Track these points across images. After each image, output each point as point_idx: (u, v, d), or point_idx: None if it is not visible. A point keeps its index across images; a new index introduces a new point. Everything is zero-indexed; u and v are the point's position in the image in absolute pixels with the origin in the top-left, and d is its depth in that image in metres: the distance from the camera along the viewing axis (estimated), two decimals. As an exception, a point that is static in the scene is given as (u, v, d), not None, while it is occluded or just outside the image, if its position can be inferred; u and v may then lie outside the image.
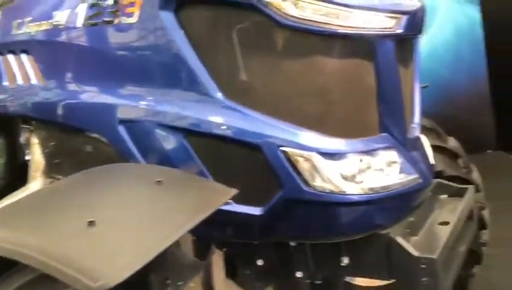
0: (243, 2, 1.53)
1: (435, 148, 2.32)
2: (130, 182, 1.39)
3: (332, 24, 1.48)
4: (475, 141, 4.80)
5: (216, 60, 1.65)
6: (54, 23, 2.03)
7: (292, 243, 1.71)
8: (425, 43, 4.81)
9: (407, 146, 1.68)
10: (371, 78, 1.58)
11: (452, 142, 2.60)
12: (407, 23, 1.55)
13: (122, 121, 1.83)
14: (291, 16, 1.48)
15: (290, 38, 1.54)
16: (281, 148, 1.53)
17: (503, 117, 4.98)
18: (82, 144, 2.09)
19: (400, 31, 1.54)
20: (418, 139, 1.79)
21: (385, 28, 1.52)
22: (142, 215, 1.20)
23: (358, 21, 1.49)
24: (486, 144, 5.05)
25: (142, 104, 1.78)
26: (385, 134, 1.64)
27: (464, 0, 4.83)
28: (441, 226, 1.77)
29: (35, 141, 2.35)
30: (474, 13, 4.86)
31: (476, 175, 2.53)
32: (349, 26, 1.48)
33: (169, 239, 1.10)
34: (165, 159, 1.73)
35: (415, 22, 1.61)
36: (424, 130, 2.43)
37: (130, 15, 1.74)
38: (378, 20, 1.50)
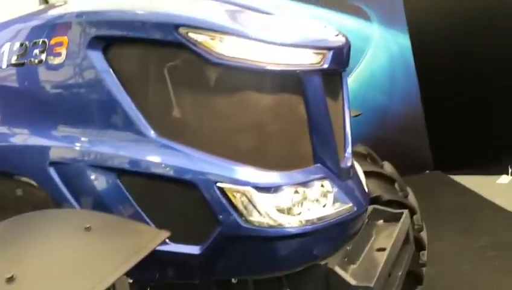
0: (172, 41, 1.54)
1: (371, 174, 2.40)
2: (56, 229, 1.33)
3: (260, 61, 1.51)
4: (413, 163, 5.02)
5: (147, 99, 1.64)
6: (-22, 64, 1.95)
7: (234, 280, 1.69)
8: (363, 69, 5.05)
9: (341, 175, 1.72)
10: (301, 111, 1.61)
11: (388, 167, 2.69)
12: (332, 58, 1.61)
13: (53, 163, 1.76)
14: (220, 54, 1.50)
15: (220, 75, 1.56)
16: (216, 184, 1.53)
17: (438, 138, 5.24)
18: (11, 188, 1.99)
19: (326, 66, 1.59)
20: (351, 168, 1.84)
21: (312, 64, 1.57)
22: (69, 264, 1.14)
23: (286, 57, 1.53)
24: (424, 164, 5.28)
25: (74, 145, 1.72)
26: (319, 165, 1.67)
27: (394, 30, 5.10)
28: (378, 252, 1.81)
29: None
30: (405, 41, 5.14)
31: (412, 198, 2.63)
32: (276, 63, 1.52)
33: (99, 286, 1.05)
34: (99, 202, 1.68)
35: (341, 56, 1.68)
36: (359, 156, 2.52)
37: (58, 55, 1.70)
38: (304, 56, 1.55)
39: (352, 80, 4.89)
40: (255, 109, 1.59)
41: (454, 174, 4.99)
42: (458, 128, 5.08)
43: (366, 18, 5.08)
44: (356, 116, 2.17)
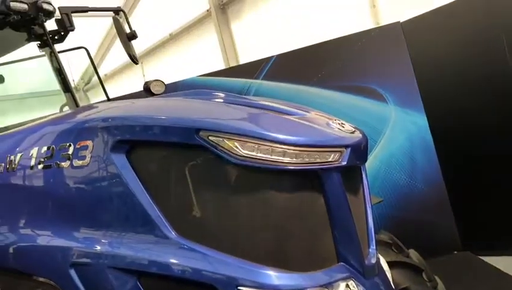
0: (193, 143, 1.58)
1: (397, 264, 2.32)
2: None
3: (279, 161, 1.53)
4: (439, 244, 4.84)
5: (168, 200, 1.66)
6: (6, 165, 2.03)
7: None
8: (382, 149, 5.06)
9: (366, 273, 1.67)
10: (322, 209, 1.61)
11: (414, 256, 2.61)
12: (350, 155, 1.62)
13: (74, 264, 1.76)
14: (240, 156, 1.53)
15: (240, 175, 1.58)
16: (238, 287, 1.49)
17: (464, 217, 5.09)
18: (31, 288, 1.99)
19: (344, 163, 1.61)
20: (376, 264, 1.78)
21: (330, 162, 1.58)
22: None
23: (304, 157, 1.55)
24: (451, 245, 5.08)
25: (95, 246, 1.73)
26: (343, 263, 1.63)
27: (410, 111, 5.17)
28: None
29: (-19, 287, 2.22)
30: (422, 121, 5.18)
31: (441, 287, 2.52)
32: (295, 163, 1.54)
33: None
34: (119, 304, 1.66)
35: (358, 152, 1.69)
36: (384, 245, 2.46)
37: (83, 158, 1.76)
38: (323, 155, 1.57)
39: (372, 160, 4.89)
40: (275, 209, 1.59)
41: (485, 255, 4.77)
42: (486, 206, 4.93)
43: (382, 100, 5.18)
44: (377, 203, 2.14)
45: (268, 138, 1.52)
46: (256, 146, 1.52)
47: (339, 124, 1.75)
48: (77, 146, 1.78)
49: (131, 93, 5.53)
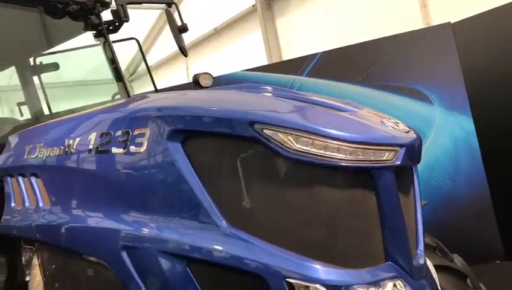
0: (247, 136, 1.61)
1: (441, 268, 2.28)
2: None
3: (333, 157, 1.54)
4: (481, 252, 4.71)
5: (220, 189, 1.70)
6: (64, 149, 2.12)
7: None
8: (426, 153, 4.96)
9: (414, 274, 1.66)
10: (373, 207, 1.60)
11: (458, 261, 2.56)
12: (404, 155, 1.61)
13: (126, 247, 1.83)
14: (293, 150, 1.54)
15: (292, 169, 1.60)
16: (286, 279, 1.52)
17: (508, 226, 4.93)
18: (83, 268, 2.07)
19: (398, 162, 1.60)
20: (424, 265, 1.77)
21: (384, 161, 1.58)
22: None
23: (358, 154, 1.55)
24: (493, 254, 4.94)
25: (146, 231, 1.79)
26: (390, 263, 1.62)
27: (457, 114, 5.04)
28: None
29: (36, 262, 2.33)
30: (469, 125, 5.04)
31: (486, 295, 2.46)
32: (349, 159, 1.54)
33: None
34: (166, 287, 1.71)
35: (412, 153, 1.68)
36: (428, 248, 2.42)
37: (140, 144, 1.82)
38: (377, 153, 1.57)
39: (415, 163, 4.79)
40: (326, 204, 1.60)
41: (529, 267, 4.62)
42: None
43: (428, 101, 5.07)
44: (424, 205, 2.10)
45: (323, 133, 1.53)
46: (310, 141, 1.53)
47: (393, 122, 1.74)
48: (134, 133, 1.84)
49: (177, 85, 5.64)
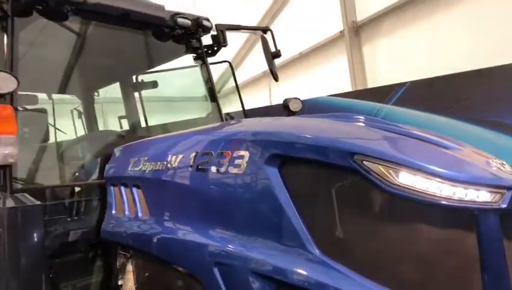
0: (345, 166, 1.63)
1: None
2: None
3: (434, 195, 1.51)
4: None
5: (314, 216, 1.72)
6: (167, 164, 2.26)
7: None
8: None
9: (515, 325, 1.57)
10: (473, 250, 1.54)
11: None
12: (511, 198, 1.55)
13: (218, 263, 1.90)
14: (393, 184, 1.54)
15: (391, 203, 1.59)
16: (376, 313, 1.50)
17: None
18: (174, 278, 2.18)
19: (504, 205, 1.53)
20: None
21: (488, 203, 1.52)
22: None
23: (461, 194, 1.51)
24: None
25: (241, 250, 1.84)
26: (489, 310, 1.55)
27: None
28: None
29: (130, 268, 2.49)
30: None
31: None
32: (451, 199, 1.51)
33: None
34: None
35: (520, 196, 1.60)
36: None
37: (238, 166, 1.90)
38: (481, 195, 1.52)
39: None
40: (424, 242, 1.57)
41: None
42: None
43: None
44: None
45: (426, 170, 1.51)
46: (412, 177, 1.52)
47: (499, 163, 1.68)
48: (234, 155, 1.93)
49: (264, 107, 5.78)
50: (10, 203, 2.02)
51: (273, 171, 1.80)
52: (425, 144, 1.72)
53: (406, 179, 1.53)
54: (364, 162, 1.58)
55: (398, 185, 1.53)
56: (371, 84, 7.22)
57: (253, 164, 1.85)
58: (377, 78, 7.23)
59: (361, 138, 1.75)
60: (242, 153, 1.91)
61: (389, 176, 1.54)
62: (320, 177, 1.74)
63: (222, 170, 1.96)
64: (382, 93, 5.21)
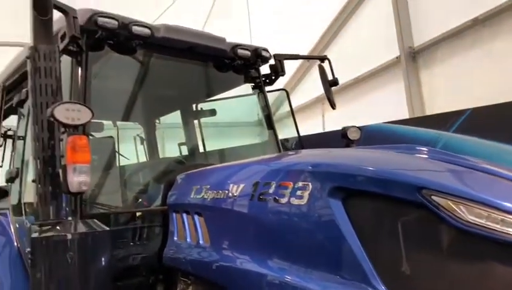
0: (412, 200, 1.60)
1: None
2: None
3: (509, 233, 1.45)
4: None
5: (379, 251, 1.69)
6: (228, 193, 2.30)
7: None
8: None
9: None
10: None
11: None
12: None
13: None
14: (464, 220, 1.49)
15: (460, 239, 1.54)
16: None
17: None
18: None
19: None
20: None
21: None
22: None
23: (538, 233, 1.44)
24: None
25: (297, 281, 1.82)
26: None
27: None
28: None
29: (189, 295, 2.53)
30: None
31: None
32: (527, 237, 1.44)
33: None
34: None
35: None
36: None
37: (300, 197, 1.91)
38: None
39: None
40: (495, 283, 1.50)
41: None
42: None
43: None
44: None
45: (500, 207, 1.46)
46: (485, 213, 1.47)
47: None
48: (296, 186, 1.94)
49: (320, 133, 5.76)
50: (81, 228, 2.12)
51: (336, 203, 1.79)
52: (496, 178, 1.66)
53: (477, 215, 1.48)
54: (432, 196, 1.55)
55: (469, 222, 1.49)
56: (429, 111, 7.04)
57: (316, 195, 1.86)
58: (435, 105, 7.05)
59: (428, 171, 1.72)
60: (304, 184, 1.92)
61: (459, 211, 1.50)
62: (386, 211, 1.71)
63: (283, 200, 1.97)
64: (442, 120, 5.06)
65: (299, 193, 1.92)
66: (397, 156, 1.95)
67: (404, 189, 1.62)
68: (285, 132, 4.75)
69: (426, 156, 1.96)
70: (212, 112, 4.20)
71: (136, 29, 2.81)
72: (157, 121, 4.67)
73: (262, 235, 2.11)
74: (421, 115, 6.97)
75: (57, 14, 2.47)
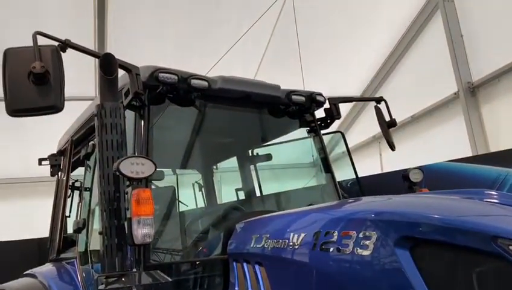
0: (486, 250, 1.51)
1: None
2: None
3: None
4: None
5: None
6: (289, 242, 2.27)
7: None
8: None
9: None
10: None
11: None
12: None
13: None
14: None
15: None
16: None
17: None
18: None
19: None
20: None
21: None
22: None
23: None
24: None
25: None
26: None
27: None
28: None
29: None
30: None
31: None
32: None
33: None
34: None
35: None
36: None
37: (365, 247, 1.84)
38: None
39: None
40: None
41: None
42: None
43: None
44: None
45: None
46: None
47: None
48: (360, 235, 1.88)
49: (379, 174, 5.62)
50: (145, 280, 2.16)
51: (404, 253, 1.72)
52: None
53: None
54: (510, 246, 1.46)
55: None
56: (493, 148, 6.71)
57: (382, 245, 1.79)
58: (499, 141, 6.72)
59: (503, 219, 1.62)
60: (369, 233, 1.86)
61: None
62: (458, 261, 1.62)
63: (347, 250, 1.92)
64: (508, 157, 4.81)
65: (363, 242, 1.86)
66: (467, 203, 1.86)
67: (478, 238, 1.54)
68: (340, 173, 4.67)
69: (496, 200, 1.85)
70: (268, 157, 4.23)
71: (194, 82, 2.92)
72: (214, 167, 4.75)
73: (325, 286, 2.04)
74: (485, 152, 6.66)
75: (121, 71, 2.61)
